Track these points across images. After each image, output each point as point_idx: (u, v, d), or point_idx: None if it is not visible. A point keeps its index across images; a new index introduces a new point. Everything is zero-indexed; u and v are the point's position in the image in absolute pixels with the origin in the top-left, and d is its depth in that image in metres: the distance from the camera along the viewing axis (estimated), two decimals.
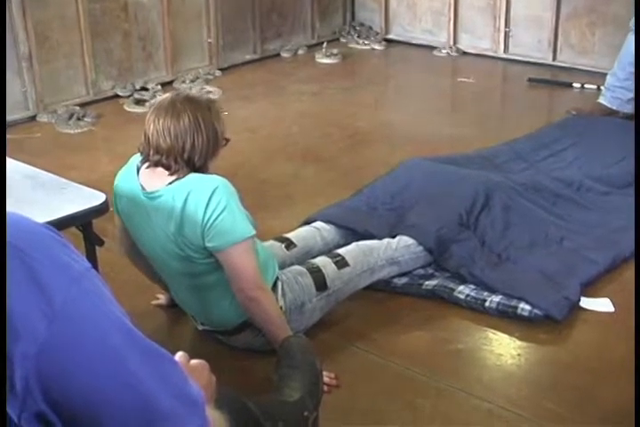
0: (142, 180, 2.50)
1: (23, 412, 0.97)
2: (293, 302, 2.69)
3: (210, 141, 2.49)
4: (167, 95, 2.56)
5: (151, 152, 2.48)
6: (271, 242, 3.02)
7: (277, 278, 2.70)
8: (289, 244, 3.03)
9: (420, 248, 3.10)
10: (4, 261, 0.96)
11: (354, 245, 3.01)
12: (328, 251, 3.07)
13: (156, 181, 2.47)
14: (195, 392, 1.11)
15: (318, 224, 3.22)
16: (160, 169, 2.48)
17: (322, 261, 2.85)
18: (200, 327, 2.78)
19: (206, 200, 2.41)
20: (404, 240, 3.09)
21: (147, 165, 2.52)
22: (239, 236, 2.45)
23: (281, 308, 2.65)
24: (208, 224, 2.43)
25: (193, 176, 2.48)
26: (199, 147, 2.47)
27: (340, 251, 2.94)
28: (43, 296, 0.97)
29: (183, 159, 2.46)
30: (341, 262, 2.85)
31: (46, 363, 0.96)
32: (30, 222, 1.05)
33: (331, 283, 2.78)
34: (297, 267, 2.81)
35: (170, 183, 2.46)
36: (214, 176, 2.50)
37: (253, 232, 2.48)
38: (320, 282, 2.76)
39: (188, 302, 2.73)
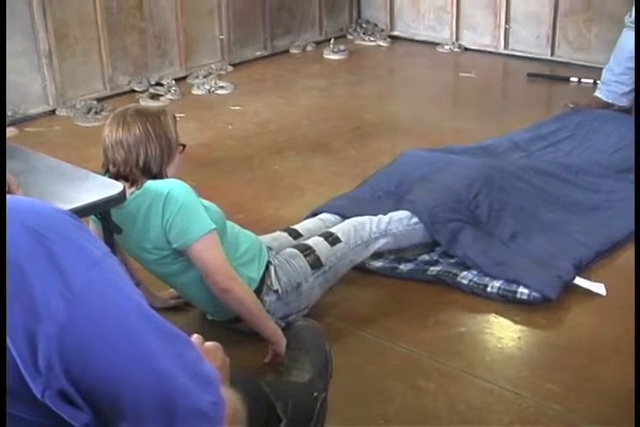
0: None
1: (46, 389, 0.97)
2: (289, 284, 2.68)
3: (163, 149, 2.52)
4: (119, 109, 2.59)
5: (110, 166, 2.53)
6: (278, 233, 3.01)
7: (270, 263, 2.69)
8: (295, 235, 3.02)
9: (414, 220, 3.06)
10: (4, 261, 0.96)
11: (346, 222, 2.99)
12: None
13: None
14: (209, 371, 1.11)
15: (323, 216, 3.21)
16: (121, 182, 2.48)
17: (313, 240, 2.83)
18: (209, 317, 2.79)
19: (162, 204, 2.44)
20: (396, 214, 3.06)
21: (108, 178, 2.55)
22: (199, 231, 2.45)
23: (277, 291, 2.65)
24: (168, 225, 2.45)
25: (149, 184, 2.50)
26: (152, 156, 2.51)
27: (332, 229, 2.92)
28: (62, 279, 0.98)
29: (139, 169, 2.50)
30: (333, 239, 2.83)
31: (67, 343, 0.97)
32: (50, 208, 1.05)
33: (325, 260, 2.77)
34: (289, 249, 2.79)
35: (131, 194, 2.48)
36: (168, 180, 2.52)
37: (212, 226, 2.47)
38: (314, 261, 2.74)
39: (188, 296, 2.75)
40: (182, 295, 2.80)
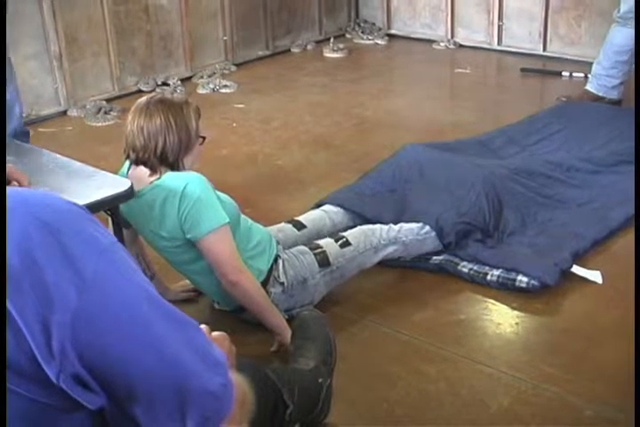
0: (131, 179, 2.50)
1: (61, 373, 0.98)
2: (295, 278, 2.67)
3: (182, 140, 2.50)
4: (144, 98, 2.57)
5: (130, 151, 2.52)
6: (282, 224, 3.00)
7: (279, 257, 2.68)
8: (299, 226, 3.01)
9: (425, 230, 3.03)
10: (4, 260, 0.96)
11: (357, 228, 2.97)
12: (336, 232, 3.06)
13: (139, 180, 2.49)
14: (218, 354, 1.12)
15: (326, 207, 3.19)
16: (142, 168, 2.50)
17: (324, 242, 2.82)
18: (217, 306, 2.78)
19: (179, 195, 2.43)
20: (407, 225, 3.03)
21: (129, 164, 2.57)
22: (212, 224, 2.44)
23: (283, 283, 2.64)
24: (183, 217, 2.44)
25: (168, 175, 2.50)
26: (171, 145, 2.49)
27: (344, 233, 2.90)
28: (73, 268, 0.98)
29: (156, 157, 2.49)
30: (343, 242, 2.81)
31: (80, 329, 0.97)
32: (59, 200, 1.06)
33: (334, 260, 2.75)
34: (300, 247, 2.79)
35: (150, 183, 2.48)
36: (187, 173, 2.51)
37: (226, 220, 2.46)
38: (323, 259, 2.73)
39: (198, 284, 2.74)
40: (192, 283, 2.79)
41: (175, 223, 2.47)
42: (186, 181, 2.46)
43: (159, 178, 2.50)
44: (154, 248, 2.68)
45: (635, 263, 2.06)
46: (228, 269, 2.47)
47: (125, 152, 2.56)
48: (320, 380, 2.16)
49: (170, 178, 2.49)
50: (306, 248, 2.77)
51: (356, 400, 2.35)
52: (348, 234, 2.88)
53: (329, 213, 3.13)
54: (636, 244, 2.06)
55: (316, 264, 2.72)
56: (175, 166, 2.53)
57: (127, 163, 2.60)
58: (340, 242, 2.82)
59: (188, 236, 2.47)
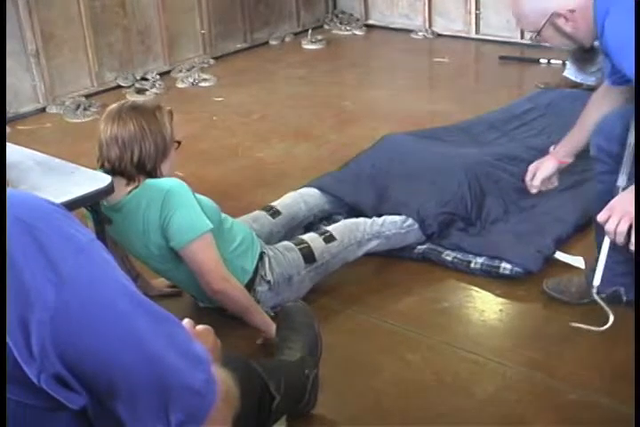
0: None
1: (41, 373, 0.97)
2: (281, 276, 2.66)
3: (158, 146, 2.47)
4: (115, 105, 2.52)
5: (105, 162, 2.48)
6: (257, 212, 2.99)
7: (264, 254, 2.66)
8: (273, 212, 3.00)
9: (408, 223, 3.03)
10: (4, 260, 0.95)
11: (341, 222, 2.97)
12: (312, 216, 3.08)
13: (116, 191, 2.39)
14: (199, 350, 1.11)
15: (303, 190, 3.19)
16: (118, 178, 2.44)
17: (309, 237, 2.81)
18: (201, 305, 2.75)
19: (160, 204, 2.40)
20: (390, 217, 3.03)
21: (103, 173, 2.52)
22: (195, 232, 2.41)
23: (269, 282, 2.63)
24: (164, 225, 2.41)
25: (147, 183, 2.46)
26: (147, 152, 2.45)
27: (328, 228, 2.90)
28: (51, 266, 0.97)
29: (133, 165, 2.45)
30: (328, 237, 2.81)
31: (59, 327, 0.97)
32: (35, 199, 1.05)
33: (319, 256, 2.75)
34: (285, 242, 2.78)
35: (129, 193, 2.45)
36: (166, 180, 2.47)
37: (209, 227, 2.43)
38: (308, 255, 2.72)
39: (183, 285, 2.71)
40: (177, 284, 2.77)
41: (157, 229, 2.44)
42: (168, 186, 2.43)
43: (137, 186, 2.47)
44: (141, 260, 2.64)
45: (635, 263, 2.07)
46: (213, 278, 2.45)
47: (99, 162, 2.51)
48: (306, 371, 2.17)
49: (149, 186, 2.45)
50: (291, 244, 2.76)
51: (342, 390, 2.35)
52: (333, 229, 2.88)
53: (304, 196, 3.13)
54: (637, 241, 2.08)
55: (302, 261, 2.72)
56: (153, 174, 2.49)
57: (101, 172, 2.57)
58: (324, 236, 2.81)
59: (171, 244, 2.45)
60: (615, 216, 2.16)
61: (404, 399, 2.34)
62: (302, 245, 2.75)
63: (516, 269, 2.87)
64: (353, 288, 2.92)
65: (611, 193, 2.34)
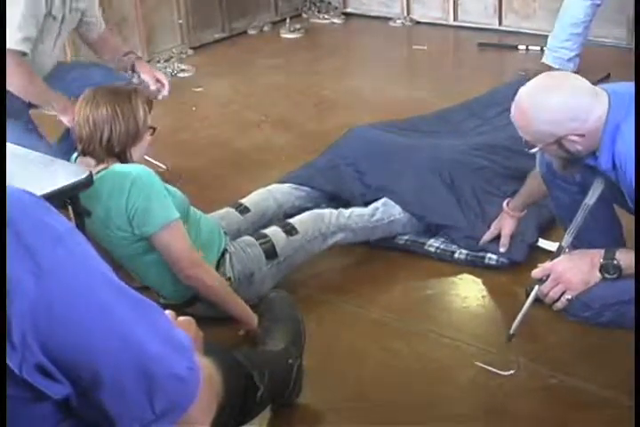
0: None
1: (23, 363, 0.97)
2: (242, 273, 2.63)
3: (129, 130, 2.47)
4: (90, 89, 2.54)
5: (78, 142, 2.49)
6: (226, 209, 2.96)
7: (226, 250, 2.64)
8: (242, 209, 2.97)
9: (375, 218, 2.98)
10: (4, 260, 0.95)
11: (306, 213, 2.91)
12: (282, 213, 3.02)
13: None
14: (183, 338, 1.11)
15: (272, 187, 3.15)
16: (88, 159, 2.46)
17: (271, 231, 2.76)
18: (162, 301, 2.65)
19: (127, 192, 2.38)
20: (358, 210, 2.99)
21: (76, 155, 2.54)
22: (163, 220, 2.40)
23: (230, 279, 2.60)
24: (131, 213, 2.40)
25: (115, 168, 2.45)
26: (117, 135, 2.46)
27: (291, 220, 2.85)
28: (29, 256, 0.97)
29: (102, 146, 2.46)
30: (290, 229, 2.77)
31: (40, 318, 0.96)
32: (12, 190, 1.04)
33: (281, 251, 2.70)
34: (246, 237, 2.74)
35: (97, 172, 2.43)
36: (134, 167, 2.45)
37: (176, 215, 2.42)
38: (269, 250, 2.69)
39: (145, 278, 2.64)
40: (139, 278, 2.66)
41: (122, 215, 2.41)
42: (135, 172, 2.41)
43: (105, 168, 2.46)
44: (100, 242, 2.56)
45: (635, 257, 2.08)
46: (185, 265, 2.43)
47: (75, 143, 2.53)
48: (290, 361, 2.17)
49: (116, 171, 2.44)
50: (252, 239, 2.71)
51: (326, 380, 2.36)
52: (296, 221, 2.83)
53: (273, 193, 3.09)
54: (637, 240, 2.08)
55: (263, 256, 2.67)
56: (122, 157, 2.49)
57: (74, 154, 2.57)
58: (286, 229, 2.76)
59: (137, 231, 2.42)
60: (552, 282, 2.18)
61: (388, 388, 2.34)
62: (263, 240, 2.70)
63: (502, 259, 2.88)
64: (336, 278, 2.92)
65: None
